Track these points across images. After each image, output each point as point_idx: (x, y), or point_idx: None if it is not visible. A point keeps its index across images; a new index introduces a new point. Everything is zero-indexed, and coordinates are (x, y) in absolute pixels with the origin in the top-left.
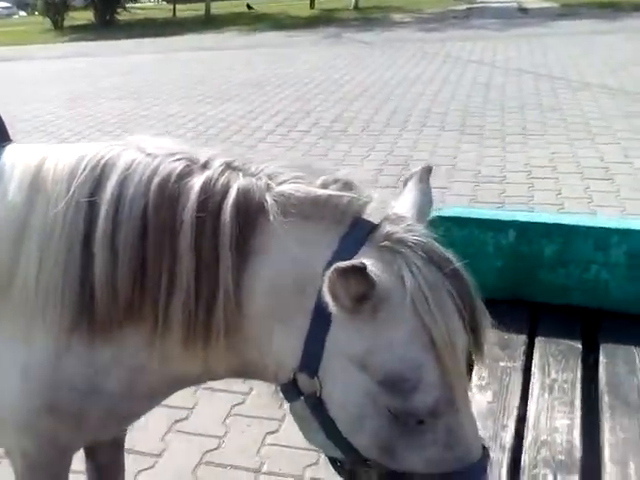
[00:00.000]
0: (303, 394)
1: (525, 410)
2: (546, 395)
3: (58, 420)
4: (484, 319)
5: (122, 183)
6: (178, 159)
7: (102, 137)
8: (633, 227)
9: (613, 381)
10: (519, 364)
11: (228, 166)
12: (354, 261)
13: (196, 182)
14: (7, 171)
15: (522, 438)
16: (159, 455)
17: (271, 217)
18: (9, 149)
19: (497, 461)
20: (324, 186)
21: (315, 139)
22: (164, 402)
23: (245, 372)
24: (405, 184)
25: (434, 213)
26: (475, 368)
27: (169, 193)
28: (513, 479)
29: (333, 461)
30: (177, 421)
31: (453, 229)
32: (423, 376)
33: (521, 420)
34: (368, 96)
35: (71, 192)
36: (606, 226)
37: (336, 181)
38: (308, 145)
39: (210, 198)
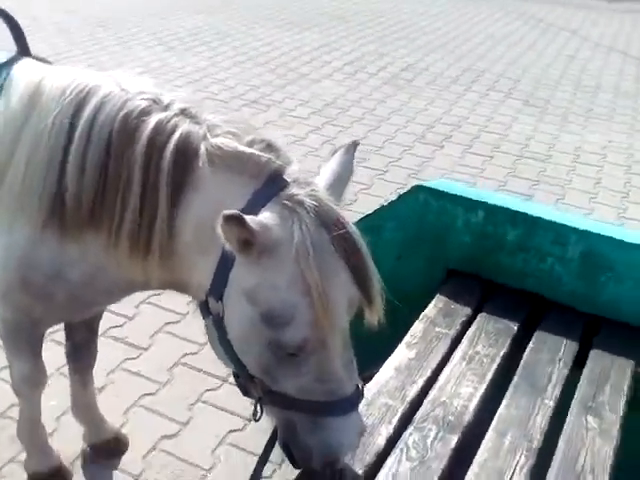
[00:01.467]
0: (211, 314)
1: (439, 373)
2: (463, 364)
3: (30, 296)
4: (373, 279)
5: (97, 109)
6: (145, 98)
7: (179, 46)
8: (592, 229)
9: (530, 364)
10: (453, 332)
11: (182, 111)
12: (233, 211)
13: (152, 121)
14: (14, 83)
15: (424, 396)
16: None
17: (200, 163)
18: (23, 63)
19: (393, 409)
20: (249, 144)
21: (379, 83)
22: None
23: (176, 286)
24: (332, 153)
25: (418, 183)
26: (411, 329)
27: (129, 126)
28: (402, 427)
29: (235, 375)
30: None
31: (430, 200)
32: (295, 316)
33: (430, 381)
34: (447, 49)
35: (57, 110)
36: (567, 223)
37: (261, 142)
38: (370, 88)
39: (158, 136)
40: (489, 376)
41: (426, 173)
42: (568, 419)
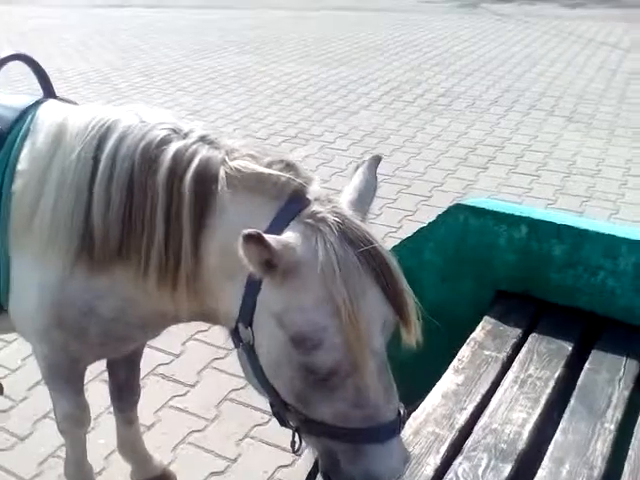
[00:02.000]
0: (242, 341)
1: (489, 399)
2: (515, 388)
3: (65, 333)
4: (406, 297)
5: (118, 144)
6: (164, 128)
7: (218, 89)
8: None
9: (587, 386)
10: (503, 355)
11: (201, 138)
12: (252, 230)
13: (171, 149)
14: (40, 123)
15: (474, 423)
16: None
17: (220, 187)
18: (47, 104)
19: (441, 437)
20: (269, 165)
21: (417, 111)
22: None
23: (206, 315)
24: (355, 170)
25: (456, 201)
26: (459, 353)
27: (149, 156)
28: (451, 456)
29: (271, 404)
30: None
31: (470, 218)
32: (325, 338)
33: (480, 407)
34: (484, 72)
35: (80, 147)
36: (617, 234)
37: (280, 162)
38: (408, 116)
39: (178, 165)
40: (543, 400)
41: (471, 196)
42: (633, 443)
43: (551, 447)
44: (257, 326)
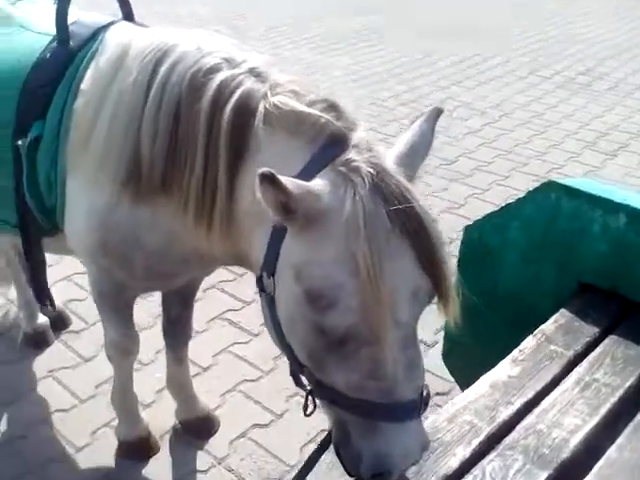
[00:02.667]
0: (264, 291)
1: (543, 397)
2: (576, 390)
3: (110, 259)
4: (444, 269)
5: (171, 70)
6: (217, 56)
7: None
8: None
9: None
10: (571, 353)
11: (251, 70)
12: (266, 169)
13: (218, 78)
14: (107, 44)
15: (519, 421)
16: None
17: (256, 123)
18: (118, 25)
19: (477, 429)
20: (310, 104)
21: (552, 87)
22: None
23: (240, 259)
24: (413, 122)
25: (553, 178)
26: (522, 344)
27: (196, 84)
28: (483, 451)
29: (290, 364)
30: None
31: (563, 199)
32: (341, 298)
33: (531, 404)
34: (633, 54)
35: (137, 70)
36: None
37: (323, 101)
38: (540, 92)
39: (222, 95)
40: (605, 409)
41: None
42: None
43: (601, 462)
44: (279, 277)
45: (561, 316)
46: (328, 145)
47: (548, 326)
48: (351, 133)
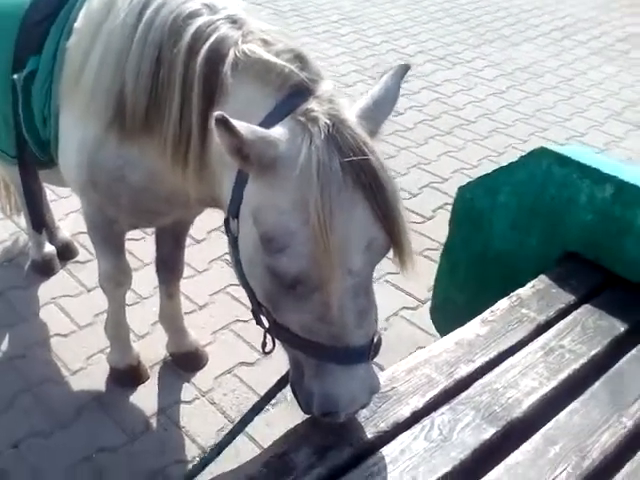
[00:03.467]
0: (230, 232)
1: (505, 358)
2: (539, 354)
3: (100, 194)
4: (398, 220)
5: (155, 13)
6: (198, 2)
7: (368, 3)
8: None
9: (622, 374)
10: (542, 318)
11: (228, 17)
12: (220, 112)
13: (195, 24)
14: None
15: (477, 378)
16: None
17: (225, 69)
18: None
19: (434, 382)
20: (277, 54)
21: (586, 53)
22: None
23: (215, 202)
24: (381, 77)
25: (546, 145)
26: (494, 305)
27: (176, 29)
28: (436, 404)
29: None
30: None
31: (554, 166)
32: (292, 244)
33: (492, 364)
34: None
35: (125, 13)
36: None
37: (290, 51)
38: (573, 57)
39: (197, 41)
40: (564, 375)
41: (611, 153)
42: None
43: (550, 424)
44: (241, 219)
45: (539, 281)
46: (291, 95)
47: (525, 290)
48: (314, 84)
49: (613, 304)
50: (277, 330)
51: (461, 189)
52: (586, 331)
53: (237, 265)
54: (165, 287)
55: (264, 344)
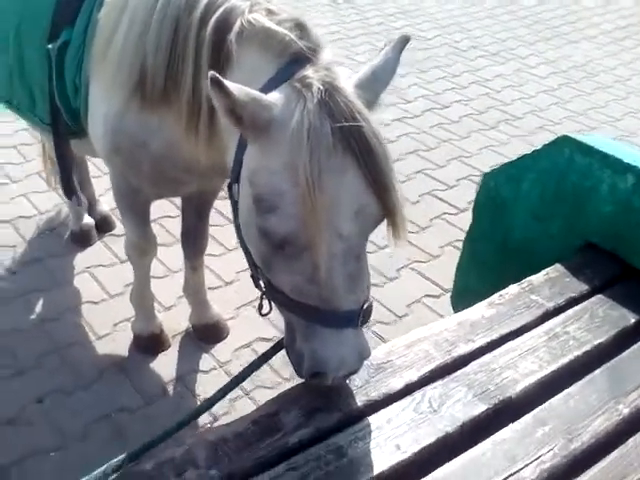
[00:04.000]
0: (232, 198)
1: (507, 341)
2: (542, 339)
3: (123, 161)
4: (390, 188)
5: None
6: None
7: None
8: None
9: (624, 364)
10: (551, 305)
11: None
12: (213, 73)
13: None
14: None
15: (476, 358)
16: None
17: (231, 37)
18: None
19: (431, 358)
20: (279, 23)
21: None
22: None
23: (223, 170)
24: (382, 49)
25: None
26: (504, 290)
27: (191, 2)
28: (429, 378)
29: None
30: None
31: (576, 155)
32: (281, 205)
33: (493, 345)
34: None
35: None
36: None
37: (291, 20)
38: (633, 56)
39: (209, 11)
40: (566, 360)
41: None
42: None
43: (543, 406)
44: (241, 184)
45: (554, 270)
46: (291, 62)
47: (537, 277)
48: (313, 52)
49: (626, 296)
50: (271, 292)
51: (485, 176)
52: (594, 320)
53: (237, 229)
54: (189, 260)
55: (260, 306)
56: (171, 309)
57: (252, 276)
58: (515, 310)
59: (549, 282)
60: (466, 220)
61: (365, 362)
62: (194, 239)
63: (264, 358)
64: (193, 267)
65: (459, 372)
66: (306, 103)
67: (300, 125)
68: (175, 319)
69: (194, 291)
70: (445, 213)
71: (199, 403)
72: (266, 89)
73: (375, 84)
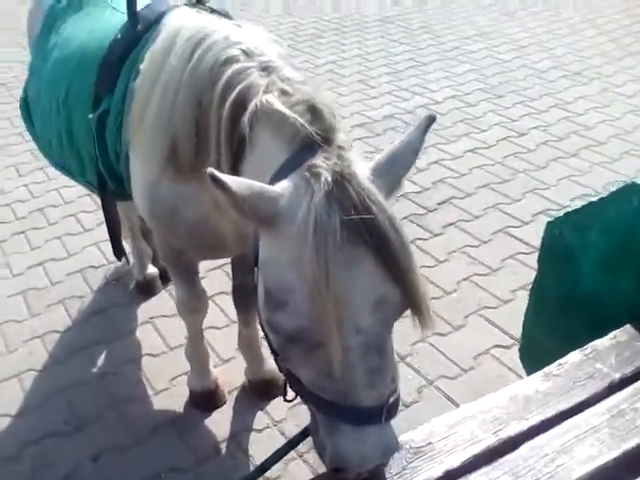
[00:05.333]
0: (254, 280)
1: (564, 420)
2: (605, 417)
3: (162, 227)
4: (412, 278)
5: (200, 58)
6: (238, 47)
7: (505, 17)
8: None
9: None
10: (617, 376)
11: (261, 63)
12: (210, 169)
13: (229, 70)
14: (164, 28)
15: (526, 440)
16: None
17: (245, 119)
18: (180, 10)
19: (477, 441)
20: (292, 105)
21: None
22: None
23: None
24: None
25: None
26: (564, 357)
27: (214, 75)
28: (472, 466)
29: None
30: None
31: None
32: (290, 301)
33: (547, 424)
34: None
35: (178, 57)
36: None
37: (304, 102)
38: None
39: (229, 88)
40: (631, 444)
41: None
42: None
43: None
44: (258, 269)
45: (623, 332)
46: (302, 148)
47: (603, 341)
48: (324, 138)
49: None
50: (291, 380)
51: (550, 224)
52: None
53: (258, 310)
54: (241, 314)
55: (284, 392)
56: (229, 361)
57: (274, 360)
58: (575, 382)
59: (616, 347)
60: None
61: (404, 445)
62: (244, 293)
63: (291, 445)
64: (245, 321)
65: (507, 457)
66: (313, 195)
67: (306, 218)
68: (232, 373)
69: (248, 345)
70: (519, 252)
71: (250, 464)
72: (277, 177)
73: (395, 168)
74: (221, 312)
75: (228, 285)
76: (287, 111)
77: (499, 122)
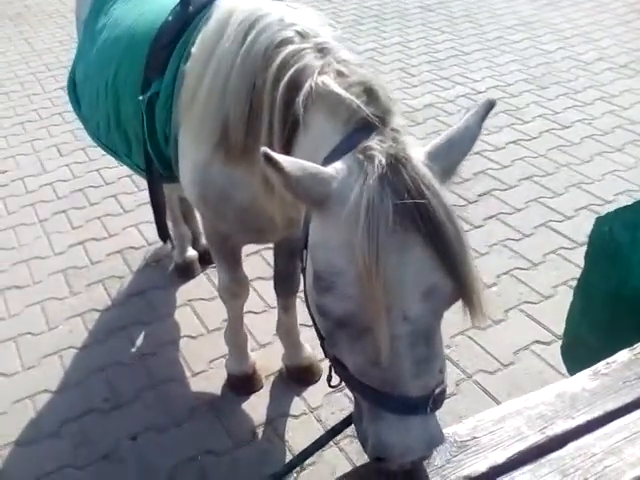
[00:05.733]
0: (301, 262)
1: (612, 419)
2: None
3: (209, 209)
4: (465, 268)
5: (254, 40)
6: (293, 29)
7: (550, 7)
8: None
9: None
10: None
11: (316, 45)
12: (263, 148)
13: (283, 52)
14: (216, 11)
15: (578, 438)
16: None
17: (300, 100)
18: None
19: (523, 438)
20: (348, 87)
21: None
22: None
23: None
24: (465, 114)
25: None
26: (613, 356)
27: (267, 57)
28: (517, 462)
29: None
30: None
31: None
32: (339, 285)
33: (594, 424)
34: None
35: (232, 39)
36: None
37: (359, 84)
38: None
39: (284, 69)
40: None
41: None
42: None
43: None
44: (307, 252)
45: None
46: (356, 130)
47: None
48: (381, 120)
49: None
50: (337, 366)
51: (598, 220)
52: None
53: (305, 294)
54: (281, 300)
55: (330, 377)
56: (267, 347)
57: (320, 344)
58: (624, 382)
59: None
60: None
61: (448, 439)
62: (286, 279)
63: (332, 433)
64: (285, 307)
65: (553, 455)
66: (367, 177)
67: (358, 201)
68: (270, 358)
69: (286, 332)
70: (561, 247)
71: (287, 450)
72: (330, 158)
73: (452, 153)
74: (259, 297)
75: (266, 270)
76: (343, 92)
77: (542, 114)
